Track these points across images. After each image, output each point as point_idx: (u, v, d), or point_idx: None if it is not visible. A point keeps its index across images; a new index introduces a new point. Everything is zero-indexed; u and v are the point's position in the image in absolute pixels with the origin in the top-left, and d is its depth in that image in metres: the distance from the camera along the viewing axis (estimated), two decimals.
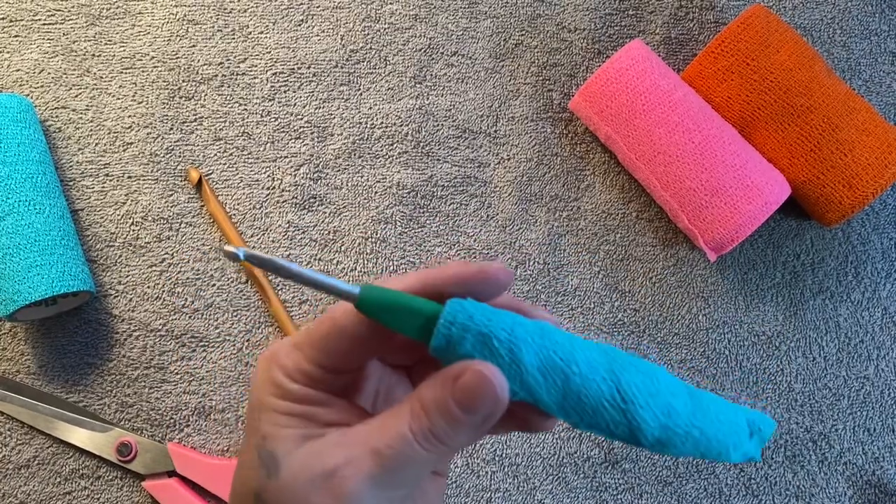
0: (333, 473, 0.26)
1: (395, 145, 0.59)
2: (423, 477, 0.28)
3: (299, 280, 0.26)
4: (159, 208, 0.57)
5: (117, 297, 0.56)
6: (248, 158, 0.58)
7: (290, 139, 0.59)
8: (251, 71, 0.59)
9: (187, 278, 0.56)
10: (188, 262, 0.57)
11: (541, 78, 0.60)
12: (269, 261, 0.26)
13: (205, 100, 0.59)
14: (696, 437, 0.27)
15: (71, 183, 0.57)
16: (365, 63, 0.60)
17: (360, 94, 0.60)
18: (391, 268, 0.57)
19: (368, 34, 0.60)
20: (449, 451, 0.27)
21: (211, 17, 0.60)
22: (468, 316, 0.26)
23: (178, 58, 0.59)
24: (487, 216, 0.58)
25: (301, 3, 0.60)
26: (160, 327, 0.56)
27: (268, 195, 0.58)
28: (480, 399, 0.26)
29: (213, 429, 0.55)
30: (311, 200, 0.58)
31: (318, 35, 0.60)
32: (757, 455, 0.28)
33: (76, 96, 0.58)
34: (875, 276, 0.58)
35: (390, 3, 0.61)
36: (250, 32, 0.60)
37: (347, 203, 0.58)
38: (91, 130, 0.58)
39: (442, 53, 0.60)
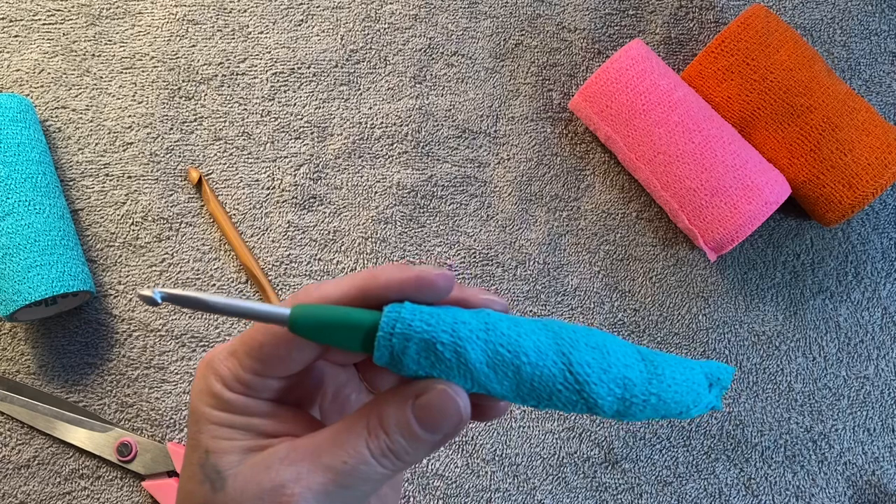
0: (282, 489, 0.25)
1: (395, 145, 0.59)
2: (375, 491, 0.27)
3: (224, 312, 0.25)
4: (159, 208, 0.57)
5: (117, 297, 0.56)
6: (248, 158, 0.58)
7: (290, 139, 0.59)
8: (251, 71, 0.59)
9: (187, 278, 0.56)
10: (188, 262, 0.57)
11: (541, 78, 0.60)
12: (189, 298, 0.25)
13: (205, 100, 0.59)
14: (654, 403, 0.27)
15: (71, 183, 0.57)
16: (365, 63, 0.60)
17: (360, 94, 0.60)
18: None
19: (368, 34, 0.60)
20: (405, 466, 0.26)
21: (211, 17, 0.60)
22: (407, 324, 0.25)
23: (178, 58, 0.59)
24: (487, 216, 0.58)
25: (301, 3, 0.60)
26: (160, 327, 0.56)
27: (268, 195, 0.58)
28: (443, 418, 0.26)
29: None
30: (311, 200, 0.58)
31: (318, 35, 0.60)
32: (719, 404, 0.29)
33: (76, 96, 0.58)
34: (875, 276, 0.58)
35: (390, 3, 0.61)
36: (250, 32, 0.60)
37: (347, 203, 0.58)
38: (91, 130, 0.58)
39: (442, 53, 0.60)
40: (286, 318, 0.25)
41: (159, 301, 0.25)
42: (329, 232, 0.58)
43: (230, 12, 0.60)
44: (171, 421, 0.55)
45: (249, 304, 0.25)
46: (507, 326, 0.26)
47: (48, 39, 0.59)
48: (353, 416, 0.26)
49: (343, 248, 0.57)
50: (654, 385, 0.27)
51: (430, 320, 0.25)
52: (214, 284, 0.56)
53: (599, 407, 0.26)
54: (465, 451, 0.55)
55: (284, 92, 0.59)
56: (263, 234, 0.57)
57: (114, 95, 0.59)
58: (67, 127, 0.58)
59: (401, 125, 0.59)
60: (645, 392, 0.26)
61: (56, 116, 0.58)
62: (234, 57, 0.60)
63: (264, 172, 0.58)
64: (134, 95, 0.59)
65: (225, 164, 0.58)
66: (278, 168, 0.58)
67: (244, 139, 0.59)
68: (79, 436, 0.53)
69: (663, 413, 0.27)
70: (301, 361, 0.27)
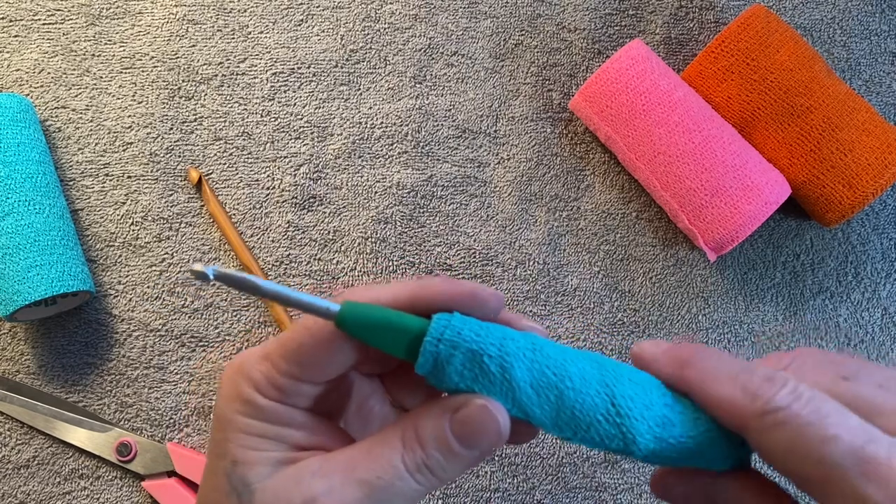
0: (314, 503, 0.24)
1: (395, 145, 0.59)
2: None
3: (274, 298, 0.24)
4: (159, 208, 0.57)
5: (117, 297, 0.56)
6: (248, 158, 0.58)
7: (290, 139, 0.59)
8: (251, 71, 0.59)
9: (187, 278, 0.56)
10: (188, 262, 0.57)
11: (541, 78, 0.60)
12: (242, 279, 0.24)
13: (205, 100, 0.59)
14: (690, 447, 0.26)
15: (71, 183, 0.57)
16: (365, 63, 0.60)
17: (360, 94, 0.60)
18: (391, 268, 0.57)
19: (368, 34, 0.60)
20: (440, 483, 0.26)
21: (211, 17, 0.60)
22: (456, 332, 0.24)
23: (178, 58, 0.59)
24: (487, 216, 0.58)
25: (301, 3, 0.61)
26: (160, 327, 0.56)
27: (268, 195, 0.58)
28: (482, 434, 0.25)
29: None
30: (311, 200, 0.58)
31: (318, 35, 0.60)
32: (748, 461, 0.28)
33: (76, 96, 0.58)
34: (875, 276, 0.58)
35: (390, 3, 0.61)
36: (250, 32, 0.60)
37: (347, 203, 0.58)
38: (91, 130, 0.58)
39: (442, 53, 0.60)
40: (335, 313, 0.25)
41: (211, 277, 0.24)
42: (329, 232, 0.58)
43: (230, 12, 0.60)
44: (171, 421, 0.55)
45: (300, 294, 0.25)
46: (555, 350, 0.25)
47: (48, 39, 0.59)
48: (388, 430, 0.26)
49: (343, 248, 0.57)
50: (692, 428, 0.26)
51: (480, 332, 0.25)
52: (214, 284, 0.56)
53: (636, 444, 0.25)
54: None
55: (284, 92, 0.59)
56: (263, 234, 0.57)
57: (114, 95, 0.59)
58: (67, 127, 0.58)
59: (401, 125, 0.59)
60: (682, 434, 0.26)
61: (56, 116, 0.58)
62: (234, 57, 0.60)
63: (264, 172, 0.58)
64: (134, 95, 0.59)
65: (225, 164, 0.58)
66: (278, 168, 0.58)
67: (244, 139, 0.59)
68: (78, 436, 0.53)
69: (696, 460, 0.26)
70: (339, 365, 0.26)
